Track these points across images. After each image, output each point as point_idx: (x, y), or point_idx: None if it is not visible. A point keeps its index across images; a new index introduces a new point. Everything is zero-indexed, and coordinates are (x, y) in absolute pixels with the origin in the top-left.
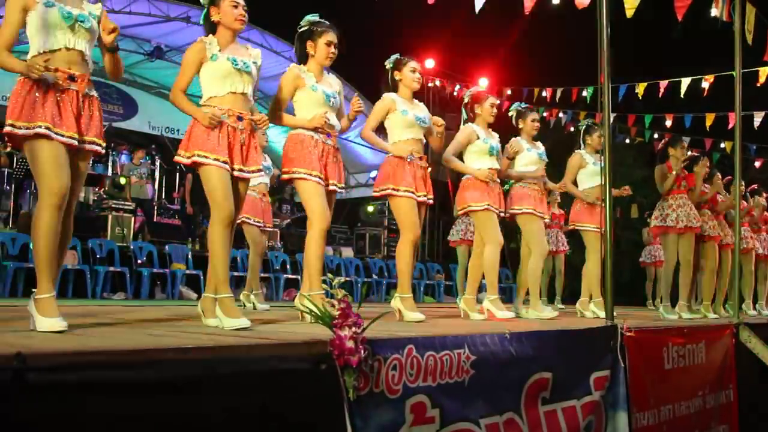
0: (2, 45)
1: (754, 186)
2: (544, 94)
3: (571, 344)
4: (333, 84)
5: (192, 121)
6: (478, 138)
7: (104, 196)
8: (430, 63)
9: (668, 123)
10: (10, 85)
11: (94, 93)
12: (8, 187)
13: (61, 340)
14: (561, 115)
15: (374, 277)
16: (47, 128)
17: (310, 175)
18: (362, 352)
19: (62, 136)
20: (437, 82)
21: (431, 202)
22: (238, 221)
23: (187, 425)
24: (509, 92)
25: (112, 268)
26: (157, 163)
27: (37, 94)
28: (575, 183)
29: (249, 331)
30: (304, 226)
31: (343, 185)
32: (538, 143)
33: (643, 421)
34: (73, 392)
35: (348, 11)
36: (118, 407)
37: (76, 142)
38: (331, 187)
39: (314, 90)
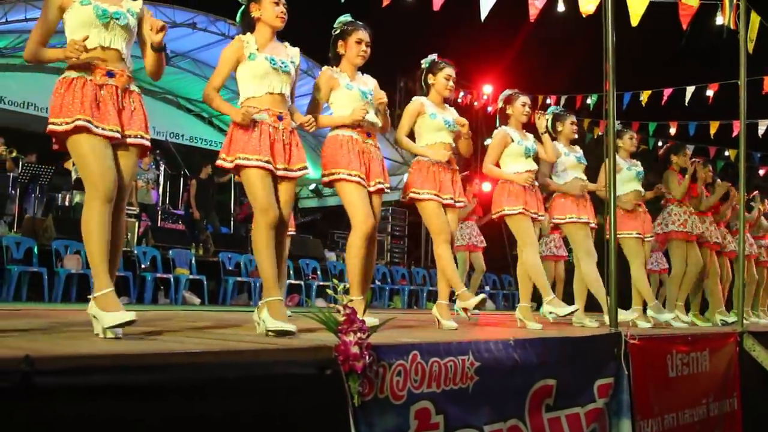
0: (37, 41)
1: (755, 193)
2: (548, 101)
3: (575, 351)
4: (368, 82)
5: (232, 125)
6: (512, 140)
7: None
8: None
9: (672, 131)
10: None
11: (135, 88)
12: (13, 192)
13: (69, 345)
14: None
15: (377, 283)
16: (86, 121)
17: (350, 175)
18: (367, 357)
19: (103, 129)
20: None
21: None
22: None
23: (193, 429)
24: None
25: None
26: (162, 168)
27: (75, 90)
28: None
29: (254, 336)
30: (308, 232)
31: (389, 185)
32: (576, 147)
33: (646, 429)
34: (80, 396)
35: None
36: (125, 411)
37: (118, 135)
38: (378, 186)
39: (350, 88)
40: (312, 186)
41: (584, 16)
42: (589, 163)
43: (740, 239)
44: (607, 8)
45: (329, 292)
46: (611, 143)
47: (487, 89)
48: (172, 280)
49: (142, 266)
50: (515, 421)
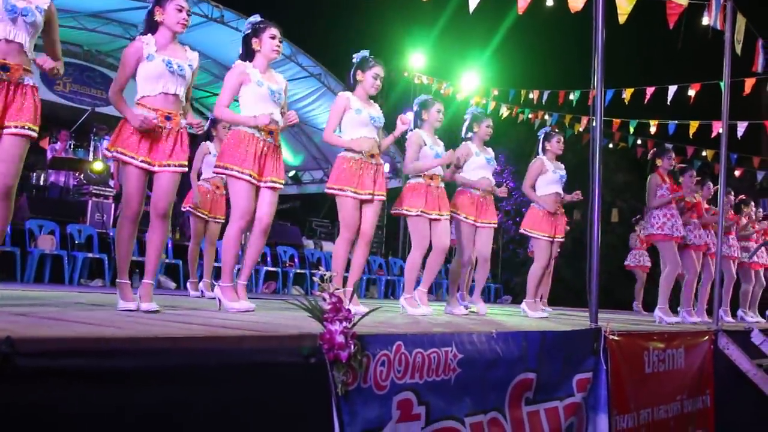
0: None
1: (743, 196)
2: (531, 96)
3: (555, 346)
4: (278, 81)
5: (123, 120)
6: (425, 143)
7: (84, 181)
8: (418, 60)
9: (653, 129)
10: None
11: (30, 81)
12: None
13: (49, 326)
14: (546, 117)
15: (374, 273)
16: None
17: (242, 173)
18: (352, 347)
19: None
20: (424, 79)
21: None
22: (185, 210)
23: (175, 414)
24: (496, 92)
25: (90, 255)
26: None
27: None
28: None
29: (238, 322)
30: (286, 219)
31: (283, 181)
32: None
33: (622, 424)
34: (62, 378)
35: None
36: (107, 395)
37: None
38: (269, 184)
39: (260, 86)
40: (291, 173)
41: (572, 12)
42: (567, 162)
43: (719, 239)
44: (598, 5)
45: (315, 280)
46: (598, 139)
47: (470, 81)
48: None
49: None
50: (495, 413)
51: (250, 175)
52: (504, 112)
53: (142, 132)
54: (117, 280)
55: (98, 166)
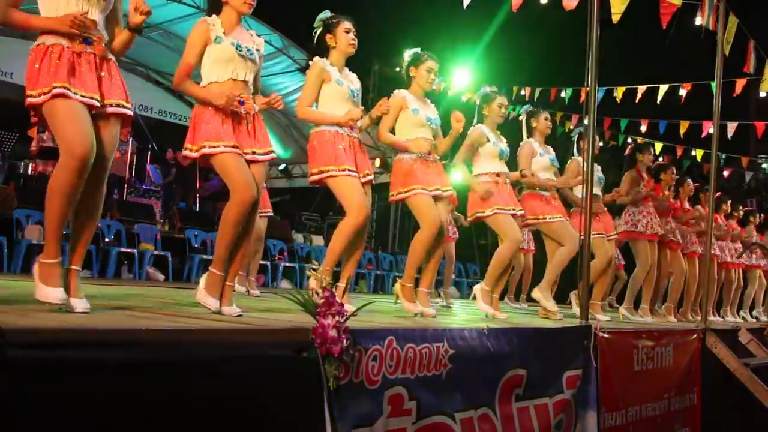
0: (8, 2)
1: (718, 194)
2: (522, 92)
3: (546, 342)
4: (354, 80)
5: (195, 114)
6: (488, 141)
7: None
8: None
9: (643, 128)
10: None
11: (112, 57)
12: None
13: (42, 317)
14: None
15: (365, 267)
16: (64, 87)
17: (341, 170)
18: (344, 341)
19: (81, 96)
20: None
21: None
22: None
23: (167, 407)
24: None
25: None
26: (130, 142)
27: (51, 58)
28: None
29: (231, 316)
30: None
31: (372, 174)
32: (550, 147)
33: (611, 421)
34: (53, 370)
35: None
36: (98, 386)
37: (97, 103)
38: (367, 178)
39: (340, 84)
40: (282, 166)
41: (566, 9)
42: (559, 159)
43: (708, 239)
44: (592, 3)
45: (309, 273)
46: (591, 138)
47: (461, 77)
48: (136, 254)
49: (106, 240)
50: (486, 409)
51: (350, 170)
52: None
53: (221, 117)
54: (211, 270)
55: None
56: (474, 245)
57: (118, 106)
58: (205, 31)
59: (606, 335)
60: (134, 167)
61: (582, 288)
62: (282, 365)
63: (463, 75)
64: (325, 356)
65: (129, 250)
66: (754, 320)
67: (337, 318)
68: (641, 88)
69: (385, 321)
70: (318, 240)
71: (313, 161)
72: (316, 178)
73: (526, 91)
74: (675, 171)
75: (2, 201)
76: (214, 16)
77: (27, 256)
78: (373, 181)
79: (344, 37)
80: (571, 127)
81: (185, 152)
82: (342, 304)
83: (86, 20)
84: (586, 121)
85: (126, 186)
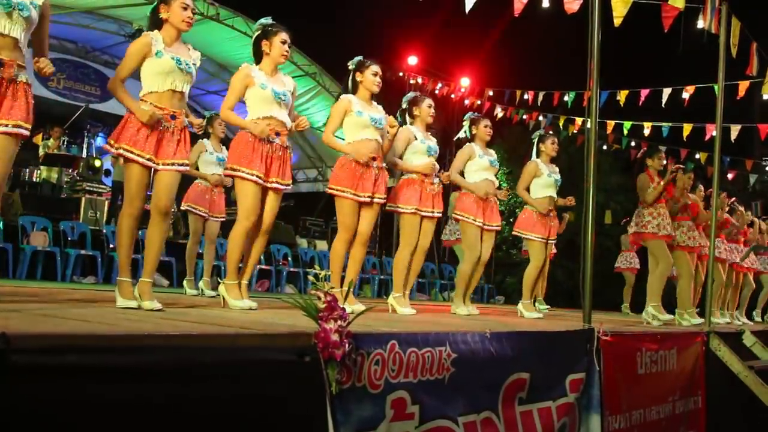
0: None
1: (734, 199)
2: (525, 96)
3: (549, 346)
4: (286, 83)
5: (127, 115)
6: (416, 139)
7: (78, 178)
8: (412, 60)
9: (646, 131)
10: None
11: (24, 78)
12: None
13: (43, 322)
14: (541, 118)
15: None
16: None
17: (250, 174)
18: (346, 345)
19: None
20: (419, 80)
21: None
22: (184, 209)
23: (170, 412)
24: (491, 93)
25: (83, 252)
26: None
27: None
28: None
29: (234, 320)
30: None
31: (288, 183)
32: (491, 150)
33: (615, 425)
34: (57, 376)
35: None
36: (102, 392)
37: None
38: (274, 185)
39: (263, 88)
40: None
41: (568, 13)
42: (561, 163)
43: (711, 240)
44: (594, 7)
45: (311, 278)
46: (592, 141)
47: (465, 82)
48: (140, 260)
49: (111, 246)
50: (489, 413)
51: (258, 176)
52: (499, 112)
53: (148, 128)
54: (118, 278)
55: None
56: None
57: (15, 126)
58: (147, 44)
59: (609, 339)
60: None
61: (584, 292)
62: (284, 369)
63: (466, 80)
64: (327, 360)
65: (133, 255)
66: (762, 322)
67: (339, 322)
68: (644, 91)
69: (387, 325)
70: (322, 245)
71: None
72: (228, 172)
73: (529, 95)
74: (692, 175)
75: (8, 208)
76: (156, 31)
77: (32, 263)
78: (288, 189)
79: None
80: (575, 131)
81: (106, 146)
82: (344, 309)
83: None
84: (588, 125)
85: None
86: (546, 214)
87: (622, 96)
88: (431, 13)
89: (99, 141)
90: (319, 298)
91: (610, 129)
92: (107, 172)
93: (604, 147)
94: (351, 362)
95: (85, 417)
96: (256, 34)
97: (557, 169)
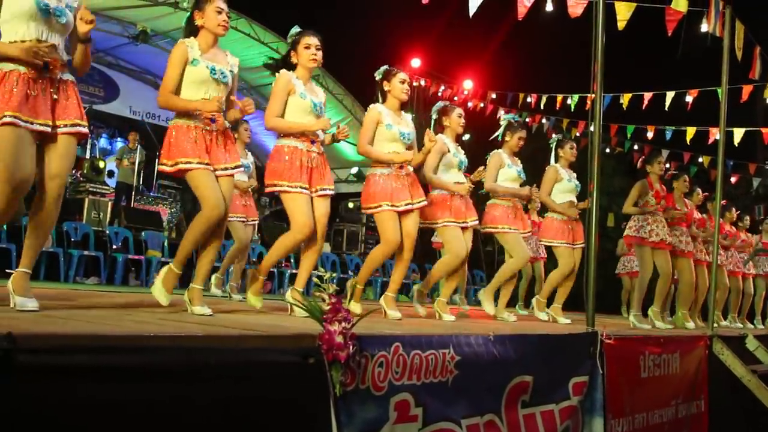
0: None
1: (723, 202)
2: (528, 99)
3: (552, 349)
4: (320, 94)
5: (170, 130)
6: (449, 151)
7: (81, 179)
8: (416, 62)
9: (650, 135)
10: None
11: (69, 78)
12: None
13: (50, 323)
14: (544, 121)
15: (350, 273)
16: (14, 117)
17: (293, 186)
18: (351, 347)
19: (32, 124)
20: (422, 82)
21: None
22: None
23: (174, 412)
24: (494, 96)
25: (86, 252)
26: (138, 149)
27: (6, 86)
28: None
29: (238, 322)
30: (282, 219)
31: (332, 187)
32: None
33: (617, 428)
34: (63, 375)
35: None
36: (107, 392)
37: (48, 129)
38: (320, 193)
39: (303, 98)
40: None
41: (571, 17)
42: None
43: (714, 246)
44: (598, 11)
45: (315, 280)
46: (596, 144)
47: (468, 84)
48: (143, 261)
49: (114, 247)
50: (492, 416)
51: (302, 187)
52: (502, 115)
53: (193, 136)
54: (191, 285)
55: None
56: (480, 252)
57: (73, 125)
58: (184, 51)
59: (612, 342)
60: (142, 175)
61: (587, 295)
62: (288, 371)
63: (470, 82)
64: (331, 362)
65: (136, 257)
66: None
67: (343, 324)
68: (647, 95)
69: (391, 327)
70: (325, 247)
71: (268, 174)
72: (268, 189)
73: (532, 98)
74: (687, 179)
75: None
76: (191, 38)
77: (36, 263)
78: (333, 194)
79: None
80: (577, 134)
81: (161, 167)
82: (348, 311)
83: (47, 49)
84: (592, 128)
85: (134, 193)
86: (570, 219)
87: (625, 99)
88: (435, 16)
89: (102, 142)
90: (324, 300)
91: (613, 132)
92: (111, 173)
93: (607, 150)
94: (355, 364)
95: (90, 417)
96: (290, 42)
97: (575, 174)
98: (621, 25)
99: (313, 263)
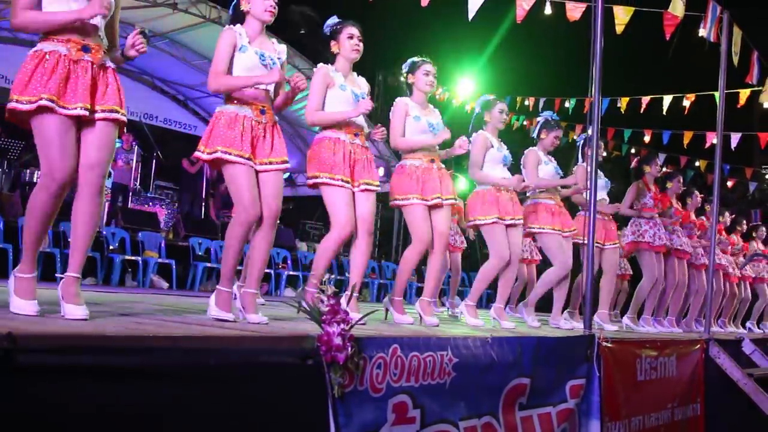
0: (25, 5)
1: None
2: (526, 102)
3: (549, 352)
4: (362, 85)
5: (214, 118)
6: (492, 146)
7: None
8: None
9: (647, 138)
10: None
11: (110, 64)
12: None
13: (50, 323)
14: None
15: (346, 275)
16: (50, 100)
17: (333, 179)
18: (349, 349)
19: (70, 108)
20: None
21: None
22: None
23: (174, 412)
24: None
25: None
26: (135, 150)
27: (46, 66)
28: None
29: (236, 323)
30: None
31: (377, 183)
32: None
33: (614, 431)
34: (63, 375)
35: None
36: (107, 392)
37: (86, 113)
38: (363, 187)
39: (343, 90)
40: (285, 175)
41: (570, 21)
42: (561, 168)
43: (711, 249)
44: (597, 15)
45: (314, 282)
46: (594, 148)
47: (466, 87)
48: (140, 262)
49: (110, 247)
50: (489, 418)
51: (343, 180)
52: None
53: (240, 126)
54: (218, 287)
55: None
56: (479, 255)
57: (111, 111)
58: (233, 36)
59: (609, 345)
60: (139, 175)
61: (586, 298)
62: (287, 373)
63: (467, 85)
64: (330, 364)
65: (133, 257)
66: (761, 332)
67: (342, 326)
68: (645, 99)
69: (389, 329)
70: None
71: (309, 166)
72: (311, 182)
73: (530, 101)
74: (681, 180)
75: (9, 208)
76: (238, 25)
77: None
78: (378, 190)
79: (347, 43)
80: (575, 137)
81: (196, 153)
82: (347, 312)
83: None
84: (590, 131)
85: (130, 194)
86: (603, 218)
87: (623, 103)
88: (433, 19)
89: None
90: (323, 302)
91: (610, 136)
92: (108, 174)
93: (604, 153)
94: (353, 365)
95: (90, 416)
96: (326, 36)
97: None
98: (619, 29)
99: (363, 267)
